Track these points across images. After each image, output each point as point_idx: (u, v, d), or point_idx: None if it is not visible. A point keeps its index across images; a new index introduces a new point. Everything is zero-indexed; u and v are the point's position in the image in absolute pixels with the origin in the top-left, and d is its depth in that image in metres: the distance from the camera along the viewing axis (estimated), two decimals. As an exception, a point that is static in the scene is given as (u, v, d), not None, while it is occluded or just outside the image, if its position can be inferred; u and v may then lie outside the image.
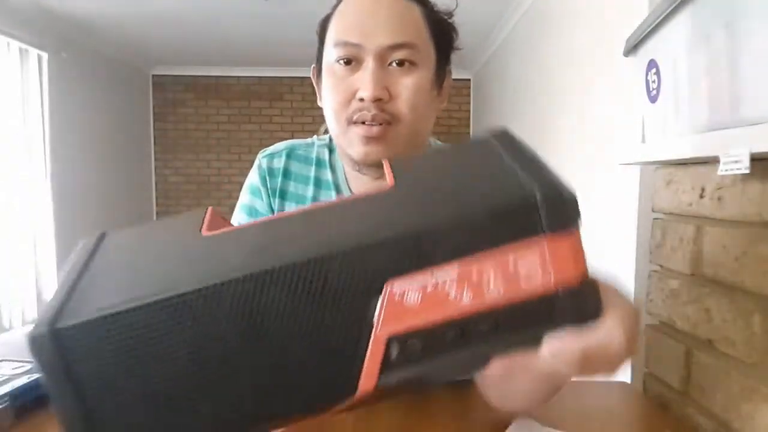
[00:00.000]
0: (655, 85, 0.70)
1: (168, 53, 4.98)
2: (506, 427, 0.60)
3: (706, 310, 0.64)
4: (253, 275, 0.25)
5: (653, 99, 0.71)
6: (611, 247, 2.02)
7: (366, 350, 0.27)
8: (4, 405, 0.60)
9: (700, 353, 0.66)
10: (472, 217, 0.27)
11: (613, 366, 0.31)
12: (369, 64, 0.62)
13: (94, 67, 4.56)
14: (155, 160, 5.74)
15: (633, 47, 0.74)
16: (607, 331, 0.29)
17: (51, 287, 3.99)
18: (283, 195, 0.77)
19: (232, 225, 0.34)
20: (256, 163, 0.79)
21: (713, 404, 0.63)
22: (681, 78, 0.64)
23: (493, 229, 0.27)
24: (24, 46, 3.64)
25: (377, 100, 0.62)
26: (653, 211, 0.78)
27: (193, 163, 5.75)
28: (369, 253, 0.26)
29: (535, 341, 0.29)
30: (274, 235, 0.30)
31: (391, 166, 0.34)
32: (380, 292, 0.27)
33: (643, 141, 0.76)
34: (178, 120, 5.70)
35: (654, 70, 0.70)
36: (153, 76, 5.64)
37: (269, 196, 0.77)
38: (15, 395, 0.61)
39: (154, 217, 5.77)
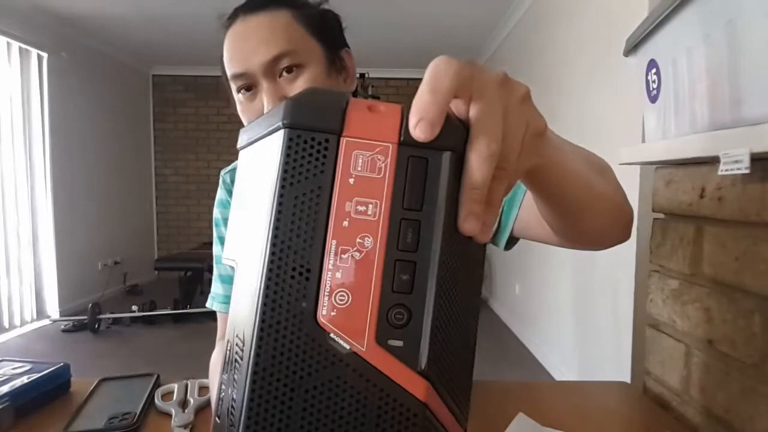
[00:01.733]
0: (655, 85, 0.70)
1: (168, 53, 4.98)
2: (506, 427, 0.60)
3: (706, 310, 0.64)
4: None
5: (653, 99, 0.71)
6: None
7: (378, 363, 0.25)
8: (4, 405, 0.60)
9: (700, 353, 0.66)
10: (280, 211, 0.25)
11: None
12: (263, 84, 0.65)
13: (94, 67, 4.56)
14: (155, 160, 5.74)
15: (633, 47, 0.74)
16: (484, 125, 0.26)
17: (50, 287, 3.99)
18: None
19: None
20: (220, 181, 0.82)
21: (713, 404, 0.63)
22: (681, 78, 0.64)
23: (296, 190, 0.25)
24: (24, 46, 3.64)
25: None
26: (653, 211, 0.78)
27: (193, 163, 5.75)
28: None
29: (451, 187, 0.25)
30: None
31: None
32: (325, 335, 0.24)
33: (643, 141, 0.76)
34: (178, 120, 5.70)
35: (654, 70, 0.70)
36: (153, 76, 5.64)
37: None
38: (15, 395, 0.61)
39: (154, 217, 5.78)
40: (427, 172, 0.25)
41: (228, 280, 0.78)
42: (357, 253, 0.24)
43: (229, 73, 0.67)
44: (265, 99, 0.65)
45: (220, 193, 0.82)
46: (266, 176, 0.26)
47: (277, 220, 0.25)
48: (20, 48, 3.63)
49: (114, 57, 4.85)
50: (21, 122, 3.65)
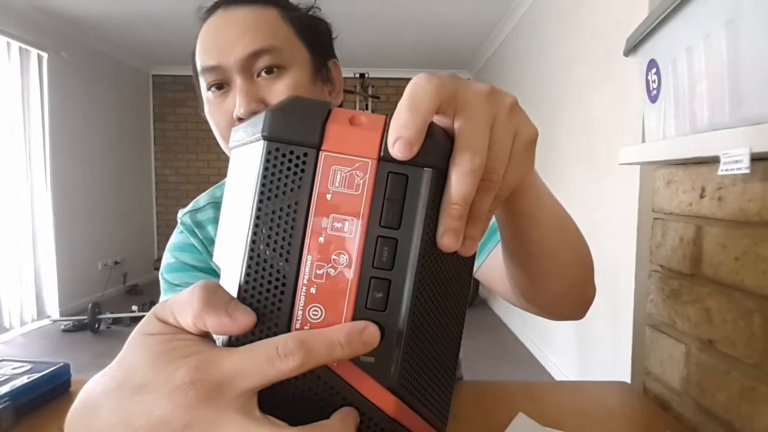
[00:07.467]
0: (655, 85, 0.70)
1: (168, 53, 4.98)
2: (506, 427, 0.60)
3: (706, 310, 0.64)
4: None
5: (653, 99, 0.71)
6: (612, 246, 2.02)
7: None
8: (4, 405, 0.60)
9: (700, 353, 0.66)
10: (258, 221, 0.25)
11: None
12: (237, 82, 0.59)
13: (94, 67, 4.56)
14: (155, 160, 5.74)
15: (633, 47, 0.74)
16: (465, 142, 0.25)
17: (50, 287, 3.99)
18: None
19: None
20: (178, 225, 0.73)
21: (713, 404, 0.63)
22: (681, 78, 0.64)
23: (277, 200, 0.25)
24: (24, 46, 3.64)
25: (254, 114, 0.59)
26: (653, 211, 0.78)
27: (193, 163, 5.75)
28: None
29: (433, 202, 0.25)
30: None
31: None
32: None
33: (643, 141, 0.76)
34: (178, 120, 5.70)
35: (654, 70, 0.70)
36: (153, 76, 5.64)
37: (205, 246, 0.70)
38: (15, 395, 0.61)
39: (154, 217, 5.78)
40: (406, 189, 0.25)
41: None
42: (332, 270, 0.24)
43: (199, 65, 0.61)
44: (237, 99, 0.59)
45: (178, 238, 0.71)
46: (247, 187, 0.26)
47: (254, 234, 0.25)
48: (20, 48, 3.62)
49: (114, 57, 4.85)
50: (21, 122, 3.65)
